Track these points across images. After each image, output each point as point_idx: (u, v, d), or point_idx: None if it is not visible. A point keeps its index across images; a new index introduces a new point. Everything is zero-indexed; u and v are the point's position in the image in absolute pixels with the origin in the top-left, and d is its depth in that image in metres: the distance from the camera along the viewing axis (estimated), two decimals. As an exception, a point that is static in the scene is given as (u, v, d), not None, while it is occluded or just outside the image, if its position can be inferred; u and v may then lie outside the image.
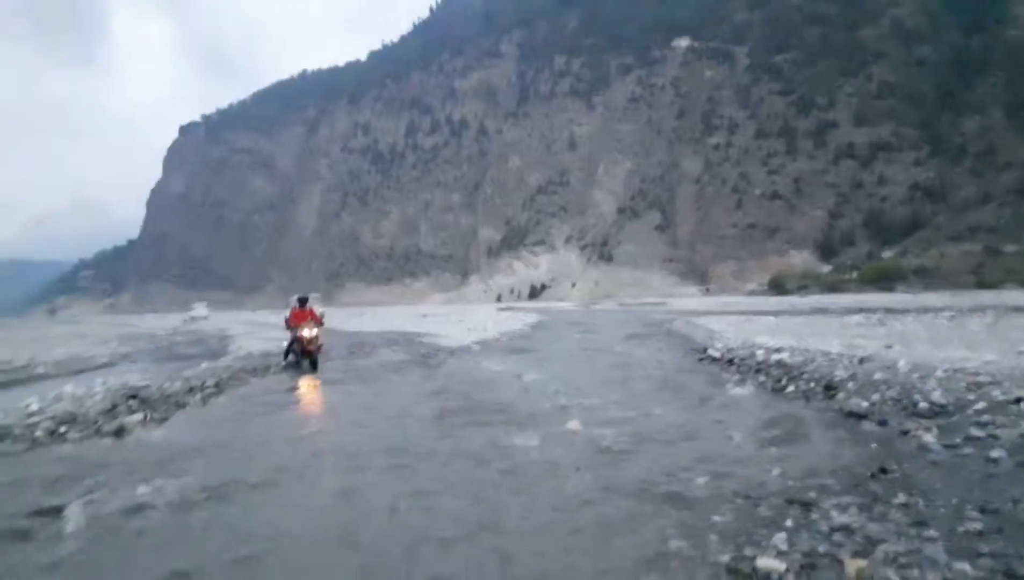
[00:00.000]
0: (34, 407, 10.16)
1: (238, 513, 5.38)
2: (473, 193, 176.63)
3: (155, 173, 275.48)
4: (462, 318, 45.88)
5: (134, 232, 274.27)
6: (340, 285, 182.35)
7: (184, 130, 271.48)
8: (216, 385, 12.58)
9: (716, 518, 4.65)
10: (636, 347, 20.19)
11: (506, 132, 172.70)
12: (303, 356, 15.31)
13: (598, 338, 25.21)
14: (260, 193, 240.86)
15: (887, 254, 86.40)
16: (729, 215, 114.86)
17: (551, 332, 30.57)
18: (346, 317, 59.56)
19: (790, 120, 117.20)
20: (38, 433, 8.43)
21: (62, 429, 8.68)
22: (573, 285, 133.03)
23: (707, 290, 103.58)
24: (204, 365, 16.68)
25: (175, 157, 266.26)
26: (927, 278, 68.79)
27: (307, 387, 13.04)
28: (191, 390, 11.93)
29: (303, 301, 16.24)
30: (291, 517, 5.28)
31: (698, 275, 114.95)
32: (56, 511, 5.38)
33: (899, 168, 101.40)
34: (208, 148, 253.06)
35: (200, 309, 69.88)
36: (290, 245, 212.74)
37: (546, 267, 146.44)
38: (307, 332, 15.16)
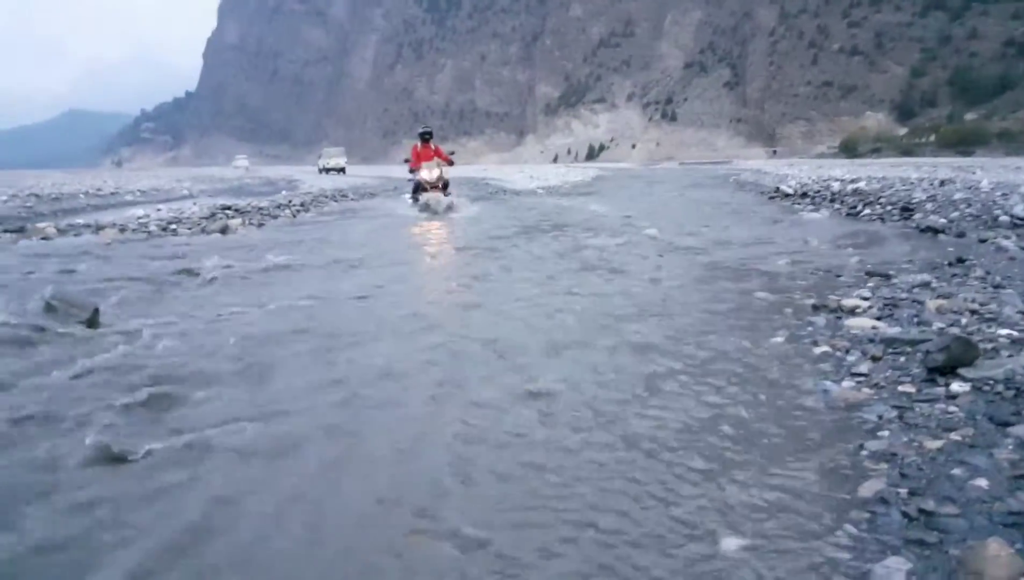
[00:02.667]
0: (140, 213, 10.99)
1: (350, 275, 5.97)
2: (531, 45, 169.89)
3: (211, 22, 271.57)
4: (521, 170, 45.88)
5: (193, 84, 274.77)
6: (396, 142, 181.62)
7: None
8: (302, 204, 13.26)
9: (799, 282, 5.00)
10: (703, 191, 20.13)
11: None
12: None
13: (663, 186, 25.10)
14: (315, 44, 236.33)
15: (970, 116, 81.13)
16: (803, 72, 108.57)
17: (613, 182, 30.47)
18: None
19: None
20: (152, 227, 9.20)
21: (172, 226, 9.43)
22: (633, 146, 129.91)
23: (774, 153, 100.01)
24: (284, 193, 17.46)
25: (229, 5, 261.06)
26: (1011, 143, 64.80)
27: (390, 204, 13.64)
28: (279, 206, 12.64)
29: (426, 136, 12.88)
30: (398, 276, 5.85)
31: (766, 136, 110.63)
32: (193, 272, 6.04)
33: (993, 21, 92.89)
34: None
35: (241, 160, 73.30)
36: (345, 99, 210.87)
37: (605, 126, 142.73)
38: (427, 173, 12.46)
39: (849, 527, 1.76)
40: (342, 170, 41.88)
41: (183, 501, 1.99)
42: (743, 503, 1.91)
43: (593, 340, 3.63)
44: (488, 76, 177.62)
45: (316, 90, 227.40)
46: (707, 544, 1.70)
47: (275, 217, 11.26)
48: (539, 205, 14.68)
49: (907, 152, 73.90)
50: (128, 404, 2.76)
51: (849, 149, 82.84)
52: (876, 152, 77.26)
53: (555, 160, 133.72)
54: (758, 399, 2.75)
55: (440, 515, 1.87)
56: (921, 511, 1.83)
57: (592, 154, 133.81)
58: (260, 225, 10.20)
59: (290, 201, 13.21)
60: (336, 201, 15.07)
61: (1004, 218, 7.56)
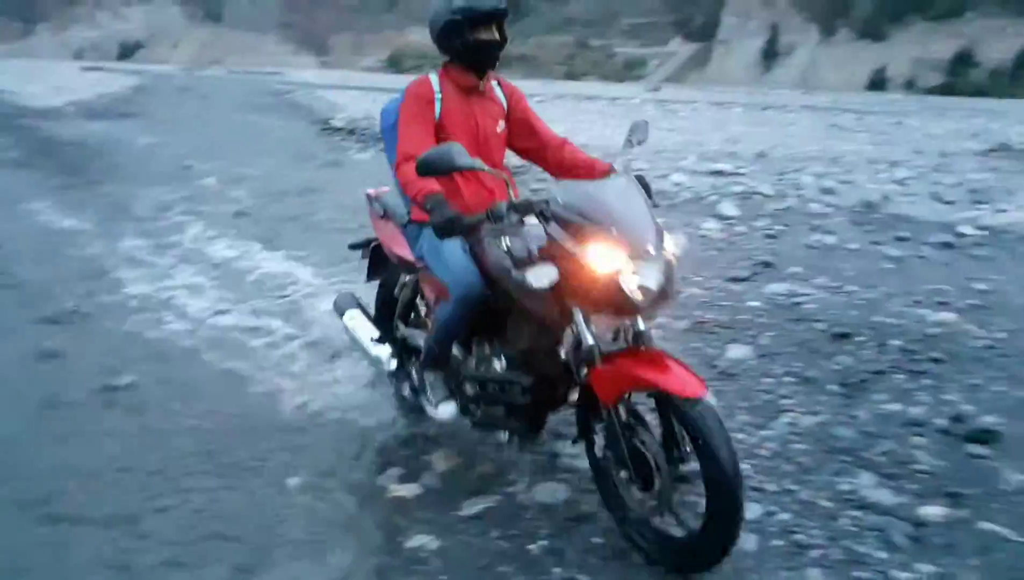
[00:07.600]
0: None
1: None
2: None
3: None
4: (40, 76, 38.54)
5: None
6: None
7: None
8: None
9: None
10: (258, 117, 20.13)
11: None
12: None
13: (214, 106, 24.14)
14: None
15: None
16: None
17: (159, 97, 28.01)
18: None
19: None
20: None
21: None
22: (175, 46, 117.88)
23: (324, 63, 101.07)
24: None
25: None
26: (527, 66, 76.82)
27: None
28: None
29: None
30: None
31: (316, 45, 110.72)
32: None
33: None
34: None
35: None
36: None
37: (140, 21, 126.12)
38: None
39: None
40: None
41: None
42: None
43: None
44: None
45: None
46: None
47: None
48: (73, 134, 13.28)
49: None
50: None
51: (395, 63, 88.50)
52: (419, 68, 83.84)
53: (79, 56, 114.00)
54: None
55: None
56: None
57: (126, 53, 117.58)
58: None
59: None
60: None
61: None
